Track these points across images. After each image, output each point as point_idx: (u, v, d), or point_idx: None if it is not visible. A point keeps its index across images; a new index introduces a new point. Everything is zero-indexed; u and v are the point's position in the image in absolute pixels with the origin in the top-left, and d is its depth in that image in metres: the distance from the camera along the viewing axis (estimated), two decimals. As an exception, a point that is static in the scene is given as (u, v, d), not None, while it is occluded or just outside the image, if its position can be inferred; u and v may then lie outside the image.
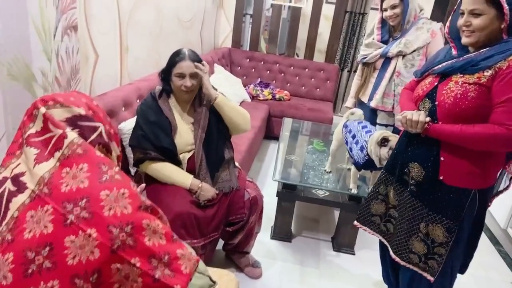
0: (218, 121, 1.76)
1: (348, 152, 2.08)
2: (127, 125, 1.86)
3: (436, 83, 1.36)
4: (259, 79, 4.09)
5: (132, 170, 1.90)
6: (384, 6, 2.15)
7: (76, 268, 0.69)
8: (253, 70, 4.16)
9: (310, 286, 1.95)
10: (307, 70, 4.11)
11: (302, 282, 1.96)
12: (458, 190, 1.34)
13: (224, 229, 1.77)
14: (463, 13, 1.28)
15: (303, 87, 4.11)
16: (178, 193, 1.63)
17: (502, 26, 1.21)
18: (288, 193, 2.17)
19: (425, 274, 1.48)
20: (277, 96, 3.85)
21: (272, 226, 2.31)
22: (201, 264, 1.22)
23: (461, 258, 1.50)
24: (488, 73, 1.21)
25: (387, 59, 2.23)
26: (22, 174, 0.76)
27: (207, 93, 1.69)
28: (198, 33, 3.50)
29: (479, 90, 1.23)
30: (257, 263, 1.99)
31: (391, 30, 2.25)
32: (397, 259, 1.55)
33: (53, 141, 0.78)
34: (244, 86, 3.90)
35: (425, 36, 2.14)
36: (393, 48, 2.17)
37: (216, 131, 1.75)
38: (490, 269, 2.28)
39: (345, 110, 2.44)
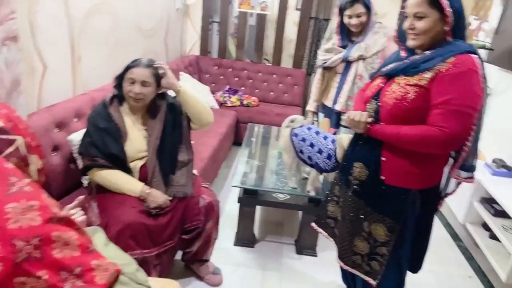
0: (174, 127, 1.76)
1: (305, 161, 1.99)
2: (78, 136, 1.82)
3: (382, 85, 1.39)
4: (227, 86, 4.10)
5: (85, 182, 1.86)
6: (349, 13, 2.16)
7: None
8: (222, 77, 4.17)
9: (271, 290, 1.95)
10: (275, 75, 4.15)
11: (263, 287, 1.96)
12: (399, 190, 1.37)
13: (180, 237, 1.76)
14: (408, 17, 1.31)
15: (272, 93, 4.15)
16: (127, 203, 1.60)
17: (446, 28, 1.24)
18: (249, 198, 2.18)
19: (367, 278, 1.50)
20: (245, 102, 3.86)
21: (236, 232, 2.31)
22: (141, 275, 1.20)
23: (408, 259, 1.52)
24: (428, 75, 1.24)
25: (348, 63, 2.27)
26: None
27: (170, 84, 1.69)
28: (162, 42, 3.49)
29: (419, 92, 1.25)
30: (217, 270, 1.98)
31: (349, 35, 2.30)
32: (341, 264, 1.57)
33: None
34: (213, 93, 3.91)
35: (382, 40, 2.19)
36: (354, 52, 2.21)
37: (171, 137, 1.75)
38: (450, 264, 2.33)
39: (307, 113, 2.48)
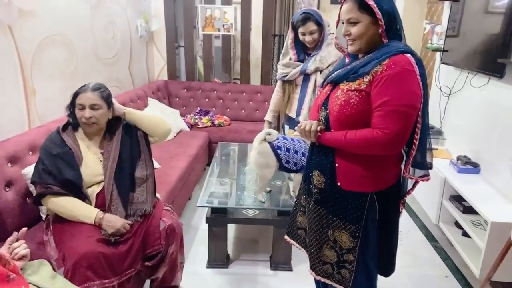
0: (131, 144, 1.77)
1: (289, 169, 2.07)
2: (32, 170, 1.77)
3: (329, 92, 1.41)
4: (198, 107, 4.11)
5: (43, 216, 1.80)
6: (302, 31, 2.23)
7: None
8: (192, 99, 4.18)
9: (245, 310, 1.89)
10: (244, 93, 4.18)
11: (236, 308, 1.91)
12: (355, 194, 1.36)
13: (143, 264, 1.70)
14: (343, 23, 1.35)
15: (243, 111, 4.16)
16: (83, 233, 1.55)
17: (380, 31, 1.27)
18: (218, 217, 2.14)
19: (339, 287, 1.47)
20: (216, 122, 3.86)
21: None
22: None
23: (376, 262, 1.50)
24: (366, 79, 1.26)
25: (306, 76, 2.34)
26: None
27: (116, 109, 1.73)
28: (127, 69, 3.49)
29: (360, 96, 1.27)
30: (189, 295, 1.92)
31: (305, 48, 2.36)
32: (313, 274, 1.54)
33: None
34: (183, 116, 3.90)
35: (336, 51, 2.24)
36: (310, 65, 2.28)
37: (129, 156, 1.74)
38: (426, 265, 2.32)
39: (265, 123, 2.53)
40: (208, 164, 3.66)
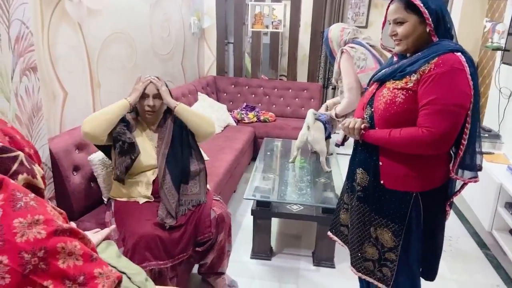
0: (182, 135, 1.88)
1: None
2: (98, 156, 1.94)
3: (375, 91, 1.41)
4: (245, 103, 4.19)
5: (105, 199, 1.96)
6: None
7: None
8: (239, 95, 4.28)
9: (287, 302, 1.94)
10: (290, 90, 4.20)
11: (279, 299, 1.96)
12: (399, 193, 1.36)
13: (194, 250, 1.80)
14: (390, 23, 1.35)
15: (288, 108, 4.19)
16: (142, 216, 1.68)
17: (428, 29, 1.26)
18: (262, 210, 2.20)
19: (380, 285, 1.47)
20: (262, 118, 3.93)
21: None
22: (150, 283, 1.25)
23: (419, 264, 1.49)
24: (414, 77, 1.25)
25: None
26: None
27: (166, 103, 1.83)
28: (179, 64, 3.65)
29: (406, 94, 1.27)
30: (234, 282, 2.00)
31: None
32: (354, 270, 1.56)
33: None
34: (230, 111, 4.01)
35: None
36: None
37: (180, 148, 1.86)
38: (476, 273, 2.23)
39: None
40: (253, 159, 3.74)
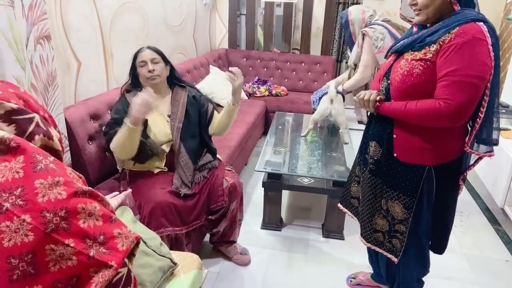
0: (199, 112, 1.91)
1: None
2: (111, 126, 1.96)
3: (392, 62, 1.38)
4: (256, 77, 4.16)
5: (119, 169, 2.00)
6: None
7: (11, 250, 0.75)
8: (251, 68, 4.23)
9: (297, 271, 1.99)
10: (303, 64, 4.14)
11: (288, 268, 2.01)
12: (412, 167, 1.35)
13: (207, 218, 1.85)
14: None
15: (301, 82, 4.14)
16: (157, 185, 1.72)
17: None
18: (273, 182, 2.22)
19: (389, 256, 1.50)
20: (273, 92, 3.90)
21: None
22: (164, 248, 1.29)
23: (429, 237, 1.50)
24: (433, 48, 1.22)
25: None
26: None
27: (235, 97, 1.87)
28: (191, 36, 3.61)
29: (425, 65, 1.24)
30: (245, 250, 2.05)
31: None
32: (363, 241, 1.58)
33: None
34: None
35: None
36: None
37: (194, 121, 1.88)
38: (486, 248, 2.24)
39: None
40: (264, 133, 3.74)
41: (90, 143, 1.93)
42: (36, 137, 0.86)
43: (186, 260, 1.31)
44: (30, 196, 0.77)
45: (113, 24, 2.27)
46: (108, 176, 2.02)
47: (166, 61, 1.85)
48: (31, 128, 0.86)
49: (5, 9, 1.36)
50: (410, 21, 1.44)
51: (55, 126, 0.96)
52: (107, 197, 1.26)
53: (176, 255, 1.31)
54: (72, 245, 0.78)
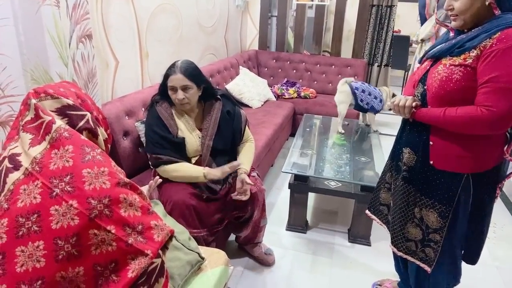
0: (233, 127, 1.84)
1: (362, 108, 2.91)
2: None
3: (428, 67, 1.35)
4: (285, 78, 4.16)
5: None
6: None
7: (58, 232, 0.82)
8: (280, 70, 4.24)
9: (321, 274, 1.98)
10: (333, 67, 4.11)
11: (312, 271, 2.00)
12: (449, 175, 1.32)
13: (231, 222, 1.85)
14: None
15: (330, 84, 4.11)
16: (182, 185, 1.71)
17: (487, 2, 1.18)
18: (300, 184, 2.22)
19: (422, 265, 1.46)
20: (302, 94, 3.89)
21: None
22: (193, 242, 1.33)
23: (462, 247, 1.46)
24: (473, 53, 1.19)
25: None
26: (18, 154, 0.90)
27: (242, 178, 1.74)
28: (223, 38, 3.66)
29: (464, 71, 1.20)
30: (270, 250, 2.06)
31: None
32: (394, 249, 1.55)
33: (43, 126, 0.91)
34: (271, 86, 4.00)
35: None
36: None
37: (230, 135, 1.82)
38: (521, 262, 2.14)
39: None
40: (292, 135, 3.74)
41: (125, 138, 2.00)
42: (84, 133, 0.95)
43: (213, 256, 1.34)
44: (78, 184, 0.84)
45: (149, 24, 2.35)
46: (140, 170, 2.09)
47: (199, 84, 1.73)
48: (81, 124, 0.95)
49: (50, 9, 1.44)
50: (447, 26, 1.40)
51: (107, 128, 1.03)
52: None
53: (203, 250, 1.34)
54: (113, 231, 0.84)
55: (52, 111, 0.92)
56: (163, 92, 1.76)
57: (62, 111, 0.93)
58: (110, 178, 0.87)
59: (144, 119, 2.04)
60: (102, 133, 1.02)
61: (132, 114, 2.07)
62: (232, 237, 2.06)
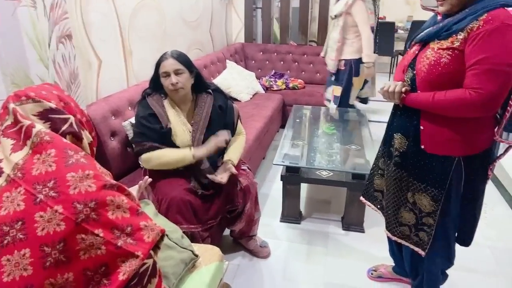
0: (224, 121, 1.83)
1: None
2: (131, 122, 2.00)
3: (417, 52, 1.35)
4: (273, 70, 4.14)
5: (141, 163, 2.04)
6: None
7: (44, 238, 0.79)
8: (267, 62, 4.22)
9: (316, 263, 1.99)
10: (320, 56, 4.09)
11: (308, 261, 2.01)
12: (440, 158, 1.33)
13: (224, 217, 1.85)
14: None
15: (318, 74, 4.10)
16: (176, 182, 1.72)
17: None
18: (292, 176, 2.22)
19: (416, 249, 1.48)
20: (290, 85, 3.88)
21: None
22: (186, 240, 1.32)
23: (456, 229, 1.47)
24: (461, 36, 1.18)
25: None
26: (0, 161, 0.88)
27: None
28: (208, 32, 3.62)
29: (452, 54, 1.20)
30: (264, 243, 2.07)
31: None
32: (389, 234, 1.56)
33: (23, 131, 0.88)
34: (259, 78, 3.98)
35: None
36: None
37: (217, 129, 1.79)
38: (511, 240, 2.18)
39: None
40: (282, 126, 3.74)
41: (112, 139, 1.97)
42: (67, 136, 0.92)
43: (207, 252, 1.34)
44: (62, 188, 0.81)
45: (131, 21, 2.31)
46: (129, 171, 2.07)
47: (191, 69, 1.75)
48: (64, 127, 0.92)
49: (27, 10, 1.41)
50: (433, 10, 1.40)
51: (92, 130, 1.01)
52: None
53: (197, 247, 1.33)
54: (101, 235, 0.82)
55: (34, 115, 0.90)
56: (155, 84, 1.77)
57: (44, 115, 0.90)
58: (95, 181, 0.85)
59: (131, 119, 2.03)
60: (86, 136, 1.00)
61: (118, 114, 2.04)
62: (227, 232, 2.06)
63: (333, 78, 3.13)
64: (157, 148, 1.71)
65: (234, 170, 1.74)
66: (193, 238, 1.70)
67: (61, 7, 1.55)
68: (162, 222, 1.37)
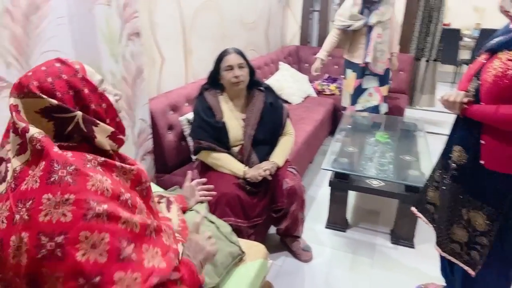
0: (274, 118, 1.87)
1: None
2: (187, 117, 2.09)
3: (484, 61, 1.28)
4: (326, 74, 4.09)
5: (193, 157, 2.12)
6: None
7: (15, 267, 0.69)
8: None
9: (361, 274, 1.94)
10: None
11: (352, 270, 1.96)
12: (500, 176, 1.24)
13: (270, 215, 1.87)
14: None
15: (373, 80, 3.98)
16: (225, 177, 1.78)
17: None
18: (340, 182, 2.18)
19: (466, 268, 1.39)
20: (344, 90, 3.80)
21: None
22: (234, 236, 1.35)
23: None
24: None
25: (369, 27, 2.91)
26: (9, 160, 0.77)
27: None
28: (264, 33, 3.67)
29: None
30: (308, 247, 2.05)
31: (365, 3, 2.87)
32: (439, 250, 1.48)
33: (20, 134, 0.75)
34: (311, 82, 3.95)
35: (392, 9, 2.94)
36: (372, 18, 2.86)
37: (270, 126, 1.86)
38: None
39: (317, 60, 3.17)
40: (331, 132, 3.67)
41: (169, 132, 2.07)
42: (75, 135, 0.79)
43: (253, 248, 1.36)
44: (33, 212, 0.68)
45: (193, 22, 2.40)
46: (184, 163, 2.16)
47: (250, 65, 1.85)
48: (69, 128, 0.77)
49: (103, 8, 1.52)
50: (511, 16, 1.30)
51: (114, 116, 0.86)
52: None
53: (242, 243, 1.35)
54: (61, 280, 0.68)
55: (37, 112, 0.75)
56: (213, 79, 1.85)
57: (47, 113, 0.75)
58: (74, 208, 0.68)
59: (187, 114, 2.12)
60: (103, 130, 0.81)
61: (176, 109, 2.14)
62: (271, 231, 2.07)
63: (372, 83, 3.17)
64: (213, 149, 1.78)
65: (273, 171, 1.78)
66: (239, 233, 1.74)
67: (132, 6, 1.65)
68: (213, 219, 1.39)
